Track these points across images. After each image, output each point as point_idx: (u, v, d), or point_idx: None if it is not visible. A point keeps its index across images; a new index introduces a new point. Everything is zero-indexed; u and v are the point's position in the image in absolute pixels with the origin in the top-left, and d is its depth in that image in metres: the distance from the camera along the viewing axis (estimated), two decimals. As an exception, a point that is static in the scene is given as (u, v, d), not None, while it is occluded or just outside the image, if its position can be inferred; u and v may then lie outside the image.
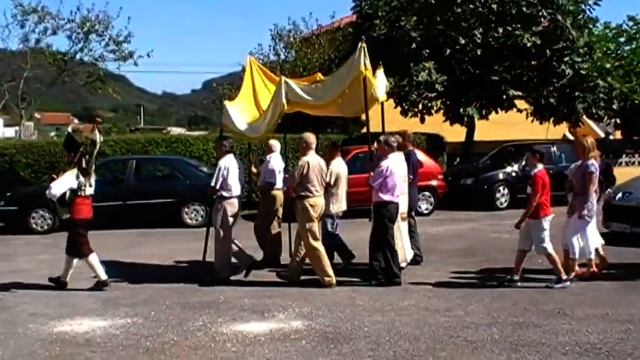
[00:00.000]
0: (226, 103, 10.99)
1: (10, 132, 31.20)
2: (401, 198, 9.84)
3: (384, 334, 7.16)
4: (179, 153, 19.19)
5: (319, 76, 11.29)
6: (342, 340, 6.99)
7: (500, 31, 19.94)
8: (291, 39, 28.56)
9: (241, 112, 10.73)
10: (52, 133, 34.95)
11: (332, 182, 10.23)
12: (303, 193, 9.53)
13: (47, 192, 9.49)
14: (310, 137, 9.94)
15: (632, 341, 6.74)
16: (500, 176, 18.90)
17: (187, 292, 9.37)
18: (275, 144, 11.40)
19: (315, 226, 9.57)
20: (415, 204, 11.23)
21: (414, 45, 19.79)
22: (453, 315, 7.85)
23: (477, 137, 23.18)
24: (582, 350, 6.48)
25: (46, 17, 24.36)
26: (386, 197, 9.44)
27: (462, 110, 20.74)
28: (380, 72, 10.91)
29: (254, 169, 12.18)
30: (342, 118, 25.70)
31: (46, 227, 15.44)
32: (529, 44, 19.61)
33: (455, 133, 22.85)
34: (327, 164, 10.30)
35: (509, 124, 23.86)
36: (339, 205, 10.48)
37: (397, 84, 19.85)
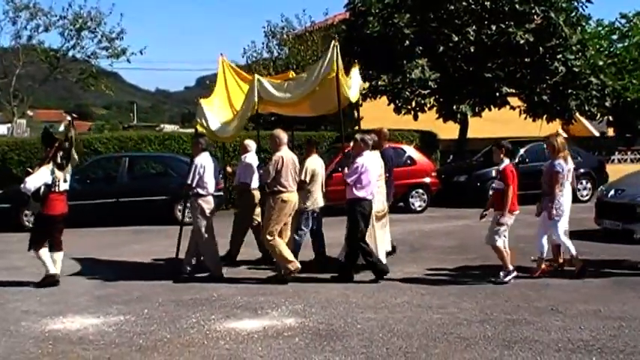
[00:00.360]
0: (202, 101, 11.03)
1: (3, 129, 31.09)
2: (376, 197, 9.92)
3: (377, 331, 7.17)
4: (172, 150, 19.17)
5: (292, 74, 11.32)
6: (336, 337, 7.00)
7: (494, 28, 19.98)
8: (284, 36, 28.53)
9: (216, 112, 10.81)
10: (61, 128, 34.77)
11: (307, 179, 10.30)
12: (276, 189, 9.65)
13: (22, 186, 9.56)
14: (282, 134, 10.02)
15: (625, 338, 6.76)
16: (494, 173, 18.83)
17: (180, 290, 9.36)
18: (250, 144, 11.41)
19: (280, 221, 9.68)
20: (391, 201, 11.32)
21: (407, 42, 19.81)
22: (446, 312, 7.86)
23: (470, 134, 23.22)
24: (575, 347, 6.49)
25: (38, 14, 24.34)
26: (360, 194, 9.53)
27: (455, 107, 20.78)
28: (355, 71, 11.05)
29: (229, 169, 12.26)
30: (336, 114, 25.81)
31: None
32: (522, 41, 19.65)
33: (448, 131, 22.87)
34: (304, 161, 10.42)
35: (502, 122, 23.89)
36: (315, 201, 10.51)
37: (390, 81, 19.89)
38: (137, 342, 7.03)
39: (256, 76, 10.23)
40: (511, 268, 9.33)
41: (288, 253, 9.65)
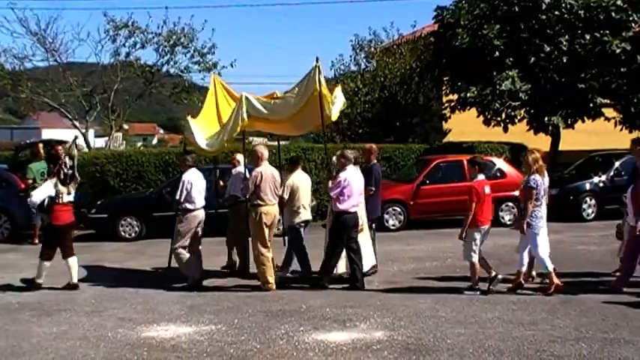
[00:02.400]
0: (189, 118, 11.42)
1: (100, 142, 32.31)
2: (357, 211, 10.23)
3: (467, 346, 7.07)
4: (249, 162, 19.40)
5: (277, 93, 11.55)
6: (425, 351, 6.94)
7: (588, 37, 19.40)
8: (372, 49, 28.55)
9: (203, 128, 11.22)
10: (139, 143, 36.04)
11: (286, 196, 10.66)
12: (256, 202, 10.06)
13: (28, 200, 10.46)
14: (263, 149, 10.45)
15: None
16: (587, 187, 18.34)
17: (270, 300, 9.48)
18: (240, 158, 11.68)
19: (266, 234, 10.05)
20: (378, 215, 11.50)
21: (497, 53, 19.49)
22: (539, 329, 7.68)
23: (562, 147, 22.60)
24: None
25: (136, 32, 25.14)
26: (342, 207, 9.94)
27: (546, 119, 20.26)
28: (338, 90, 11.45)
29: (221, 183, 12.65)
30: (424, 127, 25.65)
31: (133, 235, 15.90)
32: (618, 50, 19.00)
33: (539, 143, 22.30)
34: (287, 177, 10.91)
35: (596, 134, 23.15)
36: (300, 216, 10.82)
37: (480, 93, 19.59)
38: (228, 351, 7.16)
39: (244, 93, 10.57)
40: (477, 286, 9.54)
41: (270, 276, 10.13)
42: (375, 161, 11.69)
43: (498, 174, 17.51)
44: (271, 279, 10.12)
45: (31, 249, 14.80)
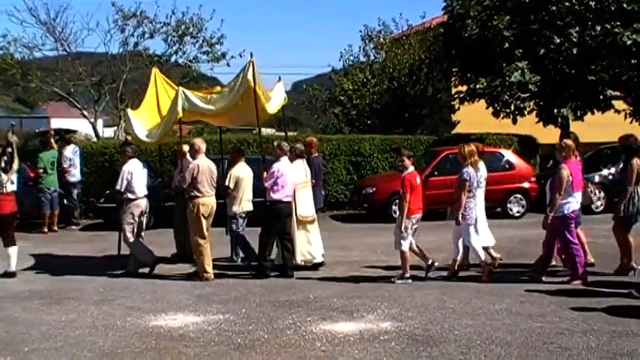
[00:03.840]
0: (128, 111, 11.82)
1: (109, 132, 32.35)
2: (303, 202, 10.74)
3: (474, 337, 7.07)
4: (270, 153, 19.41)
5: (218, 88, 11.78)
6: (432, 342, 6.94)
7: (598, 29, 19.26)
8: (381, 40, 28.42)
9: (143, 120, 11.51)
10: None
11: (231, 186, 11.11)
12: (193, 194, 10.35)
13: None
14: (201, 143, 10.77)
15: None
16: (596, 179, 18.25)
17: (277, 290, 9.51)
18: (187, 149, 11.76)
19: (203, 224, 10.34)
20: (320, 206, 11.74)
21: (506, 45, 19.38)
22: (547, 321, 7.67)
23: (571, 139, 22.49)
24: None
25: (144, 21, 25.12)
26: (276, 196, 10.37)
27: (556, 111, 20.16)
28: (279, 85, 11.89)
29: (170, 174, 13.14)
30: (433, 118, 25.58)
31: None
32: (629, 42, 18.85)
33: (548, 135, 22.20)
34: (230, 169, 11.40)
35: (606, 126, 22.96)
36: (241, 206, 11.21)
37: (489, 84, 19.52)
38: (236, 341, 7.19)
39: (180, 88, 10.92)
40: (408, 274, 9.81)
41: (209, 265, 10.38)
42: (317, 154, 12.00)
43: (507, 166, 17.49)
44: (209, 268, 10.37)
45: (40, 238, 14.91)
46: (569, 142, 10.00)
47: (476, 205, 10.03)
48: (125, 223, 10.91)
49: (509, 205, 17.34)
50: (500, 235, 12.90)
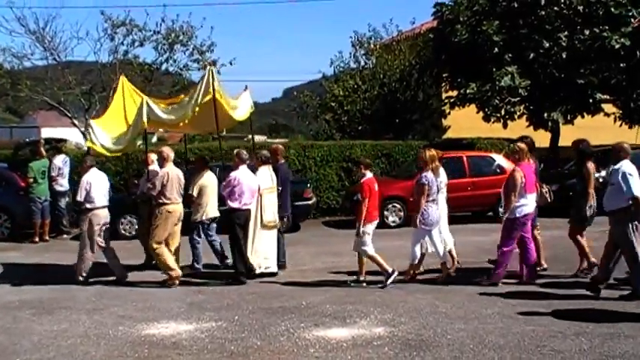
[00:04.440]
0: (91, 121, 11.95)
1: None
2: (268, 208, 10.94)
3: (467, 342, 7.08)
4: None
5: (180, 97, 12.03)
6: (425, 347, 6.95)
7: (587, 33, 19.35)
8: (372, 46, 28.47)
9: (108, 129, 11.63)
10: (139, 142, 35.94)
11: (195, 194, 11.40)
12: (161, 201, 10.58)
13: None
14: (169, 151, 11.03)
15: None
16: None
17: (270, 297, 9.50)
18: (154, 157, 12.01)
19: (166, 231, 10.60)
20: (287, 212, 11.80)
21: (496, 49, 19.45)
22: (539, 324, 7.68)
23: (561, 142, 22.56)
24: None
25: (134, 30, 25.08)
26: (234, 205, 10.55)
27: (546, 115, 20.23)
28: (246, 94, 12.17)
29: (135, 181, 13.30)
30: (423, 123, 25.64)
31: (133, 232, 15.87)
32: (617, 46, 18.95)
33: (539, 139, 22.23)
34: (194, 177, 11.64)
35: (595, 129, 23.03)
36: (205, 213, 11.52)
37: (479, 89, 19.58)
38: (229, 348, 7.18)
39: (144, 98, 11.16)
40: (390, 270, 9.94)
41: (171, 262, 10.52)
42: (283, 161, 12.12)
43: (498, 170, 17.51)
44: (174, 265, 10.55)
45: (31, 247, 14.84)
46: (522, 145, 10.17)
47: (437, 210, 10.18)
48: (84, 236, 10.92)
49: (500, 210, 17.34)
50: (490, 240, 12.93)
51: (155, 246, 10.52)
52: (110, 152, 11.99)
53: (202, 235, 11.67)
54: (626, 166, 8.83)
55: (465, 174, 17.16)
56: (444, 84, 22.33)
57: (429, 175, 10.11)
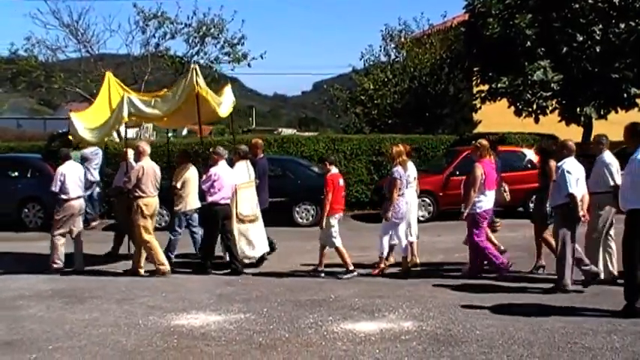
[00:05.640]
0: (71, 114, 12.17)
1: (131, 133, 32.56)
2: (245, 202, 11.17)
3: (497, 337, 7.02)
4: (290, 153, 19.49)
5: (164, 91, 12.32)
6: (454, 342, 6.91)
7: (622, 26, 19.04)
8: (402, 39, 28.34)
9: (89, 121, 11.87)
10: (170, 134, 36.14)
11: (179, 185, 11.71)
12: (137, 194, 10.81)
13: None
14: (146, 146, 11.36)
15: None
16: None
17: (299, 290, 9.52)
18: (129, 152, 12.15)
19: (148, 223, 10.84)
20: (265, 206, 11.93)
21: (528, 43, 19.23)
22: (570, 320, 7.60)
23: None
24: None
25: (165, 22, 25.26)
26: (212, 199, 10.84)
27: (578, 110, 19.98)
28: (227, 89, 12.45)
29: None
30: (454, 117, 25.47)
31: (163, 224, 15.95)
32: (654, 39, 18.66)
33: (571, 134, 22.00)
34: (177, 170, 12.01)
35: (630, 124, 22.78)
36: (186, 204, 11.81)
37: (511, 83, 19.38)
38: (257, 340, 7.21)
39: (125, 94, 11.40)
40: (352, 267, 10.32)
41: (162, 257, 10.85)
42: (262, 155, 12.31)
43: (529, 165, 17.34)
44: (164, 259, 10.82)
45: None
46: (483, 142, 10.46)
47: (407, 204, 10.46)
48: (56, 222, 11.29)
49: (531, 205, 17.18)
50: (522, 235, 12.86)
51: (146, 237, 10.78)
52: (87, 142, 12.45)
53: (183, 227, 11.95)
54: (567, 164, 9.05)
55: (495, 169, 16.98)
56: (475, 78, 22.13)
57: (400, 169, 10.39)
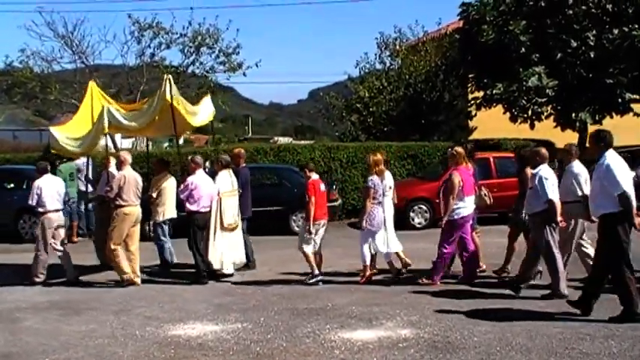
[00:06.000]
0: (51, 128, 12.56)
1: (127, 143, 32.59)
2: (228, 210, 11.20)
3: (494, 344, 7.02)
4: (286, 162, 19.48)
5: (142, 105, 12.53)
6: (452, 349, 6.90)
7: (616, 32, 19.12)
8: (397, 47, 28.43)
9: (72, 132, 12.19)
10: (165, 144, 36.12)
11: (154, 195, 11.96)
12: (118, 203, 10.87)
13: None
14: (127, 155, 11.58)
15: None
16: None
17: (296, 299, 9.50)
18: (113, 160, 12.33)
19: (123, 232, 10.86)
20: (249, 215, 12.11)
21: (523, 49, 19.30)
22: (568, 326, 7.59)
23: (589, 143, 22.33)
24: None
25: (161, 32, 25.34)
26: (192, 208, 10.99)
27: (573, 115, 20.04)
28: (206, 99, 12.78)
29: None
30: (449, 124, 25.51)
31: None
32: (648, 44, 18.72)
33: (566, 139, 22.00)
34: (154, 179, 12.24)
35: (625, 129, 22.70)
36: (164, 213, 12.04)
37: (506, 89, 19.43)
38: (254, 350, 7.19)
39: (105, 106, 11.57)
40: (317, 272, 10.41)
41: (125, 265, 10.80)
42: (244, 165, 12.44)
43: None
44: (127, 269, 10.80)
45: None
46: (459, 149, 10.53)
47: (383, 212, 10.49)
48: (37, 237, 11.30)
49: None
50: (520, 240, 12.82)
51: (113, 247, 10.78)
52: (70, 153, 12.60)
53: (167, 235, 12.15)
54: (543, 170, 9.15)
55: (492, 175, 17.01)
56: (470, 84, 22.21)
57: (375, 178, 10.46)
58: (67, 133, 12.11)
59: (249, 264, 11.87)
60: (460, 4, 21.10)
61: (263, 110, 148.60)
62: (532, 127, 20.45)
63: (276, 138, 67.75)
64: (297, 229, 16.74)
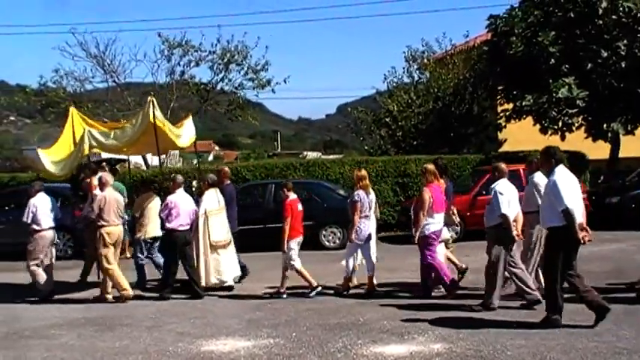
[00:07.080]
0: (38, 150, 12.91)
1: (156, 160, 33.02)
2: (215, 228, 11.56)
3: (528, 358, 6.94)
4: (316, 176, 19.54)
5: (124, 124, 13.03)
6: (485, 364, 6.84)
7: (647, 41, 18.94)
8: (425, 60, 28.42)
9: (56, 155, 12.52)
10: (195, 161, 36.44)
11: (137, 214, 12.30)
12: (99, 223, 11.16)
13: None
14: (109, 176, 11.97)
15: None
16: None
17: (327, 313, 9.50)
18: (95, 181, 12.33)
19: (110, 251, 11.17)
20: (234, 230, 12.29)
21: (552, 60, 19.18)
22: (603, 340, 7.48)
23: (622, 154, 22.08)
24: None
25: (190, 50, 25.65)
26: (170, 225, 11.24)
27: (605, 126, 19.82)
28: (188, 122, 13.13)
29: (80, 206, 14.09)
30: (479, 137, 25.39)
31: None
32: (680, 53, 18.49)
33: (598, 150, 21.85)
34: (139, 198, 12.59)
35: (658, 139, 22.55)
36: (146, 232, 12.29)
37: (535, 101, 19.31)
38: (286, 364, 7.19)
39: (86, 128, 12.05)
40: (315, 283, 10.80)
41: (124, 282, 11.12)
42: (229, 182, 12.90)
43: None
44: (125, 284, 11.12)
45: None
46: (429, 166, 10.79)
47: (368, 226, 10.90)
48: (30, 253, 11.55)
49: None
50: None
51: (108, 266, 11.09)
52: (55, 177, 12.80)
53: (145, 253, 12.38)
54: (500, 185, 9.36)
55: (521, 187, 16.83)
56: (499, 96, 22.11)
57: (361, 192, 10.84)
58: (51, 157, 12.55)
59: (245, 273, 12.44)
60: (488, 17, 21.10)
61: (292, 126, 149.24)
62: (563, 138, 20.26)
63: (305, 153, 67.93)
64: (327, 243, 16.84)
